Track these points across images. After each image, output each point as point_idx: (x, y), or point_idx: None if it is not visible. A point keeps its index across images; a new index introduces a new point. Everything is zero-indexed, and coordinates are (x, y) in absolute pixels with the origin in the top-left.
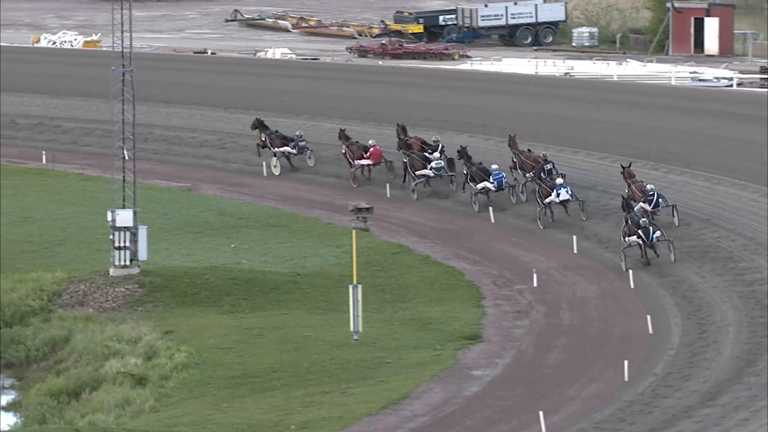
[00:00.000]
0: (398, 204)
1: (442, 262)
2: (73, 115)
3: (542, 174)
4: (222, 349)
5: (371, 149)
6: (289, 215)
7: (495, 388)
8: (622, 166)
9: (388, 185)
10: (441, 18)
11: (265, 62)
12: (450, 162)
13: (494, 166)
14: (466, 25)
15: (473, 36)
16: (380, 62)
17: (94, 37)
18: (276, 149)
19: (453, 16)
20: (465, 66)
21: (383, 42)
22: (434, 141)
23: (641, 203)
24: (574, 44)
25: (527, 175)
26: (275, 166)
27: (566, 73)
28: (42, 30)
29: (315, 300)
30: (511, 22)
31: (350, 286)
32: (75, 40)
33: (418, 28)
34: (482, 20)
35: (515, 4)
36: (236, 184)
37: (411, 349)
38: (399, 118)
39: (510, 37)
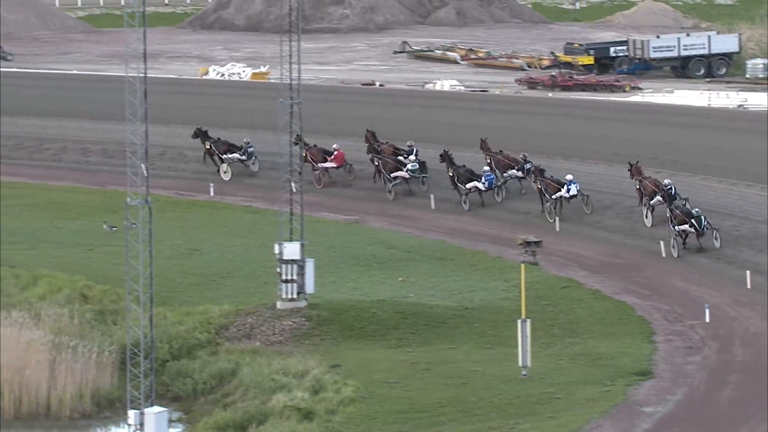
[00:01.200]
0: (567, 238)
1: (611, 296)
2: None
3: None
4: (389, 384)
5: (335, 153)
6: (456, 248)
7: (666, 426)
8: (630, 163)
9: (557, 219)
10: (612, 49)
11: (433, 94)
12: (422, 165)
13: (485, 168)
14: (637, 56)
15: (645, 68)
16: (550, 94)
17: (263, 69)
18: (223, 156)
19: (624, 47)
20: (636, 98)
21: (553, 74)
22: (409, 145)
23: (658, 197)
24: (747, 76)
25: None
26: (225, 172)
27: (740, 105)
28: (210, 62)
29: (483, 334)
30: (684, 53)
31: (519, 321)
32: (243, 72)
33: (588, 60)
34: (654, 51)
35: (688, 35)
36: (403, 216)
37: (580, 385)
38: (570, 150)
39: (682, 68)
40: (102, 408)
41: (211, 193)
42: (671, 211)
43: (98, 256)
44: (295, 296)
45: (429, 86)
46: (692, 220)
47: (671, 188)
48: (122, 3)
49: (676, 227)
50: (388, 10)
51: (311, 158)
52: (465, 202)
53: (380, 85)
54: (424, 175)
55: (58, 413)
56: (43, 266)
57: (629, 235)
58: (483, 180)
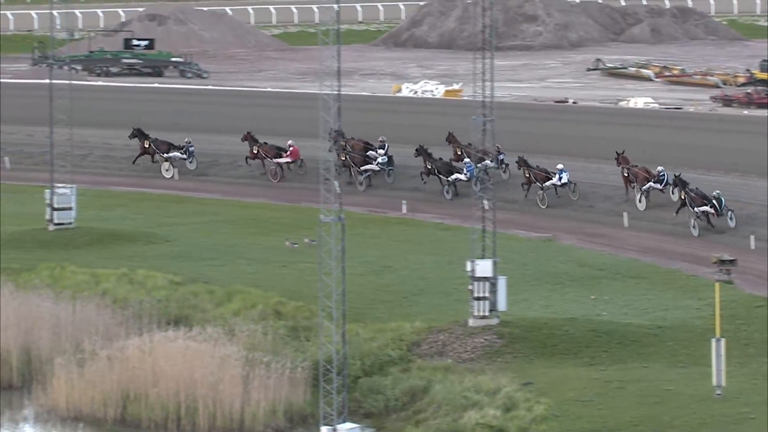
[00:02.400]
0: (761, 256)
1: None
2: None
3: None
4: (581, 402)
5: (291, 148)
6: (650, 267)
7: None
8: (617, 152)
9: (752, 237)
10: None
11: (627, 111)
12: (390, 159)
13: (466, 160)
14: None
15: None
16: (745, 112)
17: (456, 87)
18: (165, 154)
19: None
20: None
21: (749, 91)
22: (380, 141)
23: (651, 183)
24: None
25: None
26: (167, 170)
27: None
28: (403, 79)
29: (676, 353)
30: None
31: (713, 340)
32: (436, 89)
33: None
34: None
35: None
36: (596, 234)
37: None
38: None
39: None
40: (295, 424)
41: (404, 210)
42: (687, 194)
43: (291, 272)
44: (487, 313)
45: (622, 104)
46: (713, 202)
47: (664, 174)
48: (317, 21)
49: (695, 209)
50: (582, 27)
51: (264, 154)
52: (448, 192)
53: (573, 103)
54: (390, 167)
55: (252, 428)
56: (238, 282)
57: None
58: (465, 171)
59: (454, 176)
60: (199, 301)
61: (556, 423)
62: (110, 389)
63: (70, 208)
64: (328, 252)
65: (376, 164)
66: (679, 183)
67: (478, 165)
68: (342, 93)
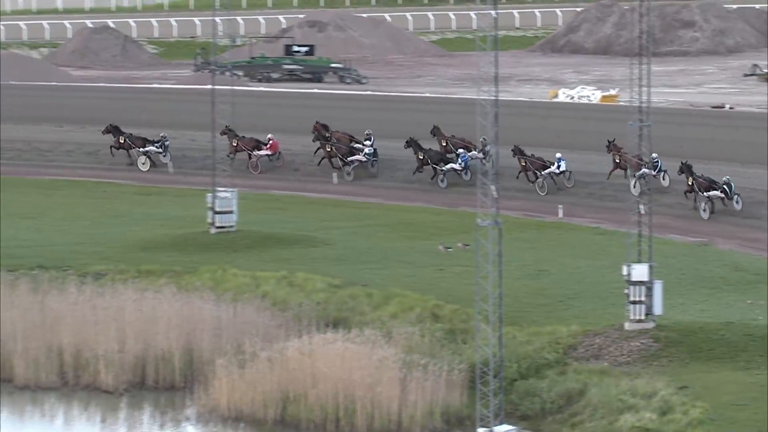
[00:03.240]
0: None
1: None
2: (589, 170)
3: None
4: (737, 406)
5: (270, 142)
6: None
7: None
8: (608, 141)
9: None
10: None
11: None
12: (375, 151)
13: (460, 150)
14: None
15: None
16: None
17: (612, 92)
18: (140, 149)
19: None
20: None
21: None
22: (367, 134)
23: (645, 169)
24: None
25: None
26: (144, 164)
27: None
28: (560, 85)
29: None
30: None
31: None
32: (592, 94)
33: None
34: None
35: None
36: (753, 239)
37: None
38: None
39: None
40: (451, 425)
41: (560, 215)
42: (695, 180)
43: (448, 276)
44: (643, 317)
45: None
46: (724, 186)
47: (658, 161)
48: (474, 27)
49: (704, 193)
50: (739, 33)
51: (243, 147)
52: (442, 181)
53: (730, 108)
54: (374, 159)
55: (409, 429)
56: (395, 286)
57: None
58: (459, 161)
59: (448, 166)
60: (357, 304)
61: (711, 427)
62: (270, 390)
63: (231, 212)
64: (485, 256)
65: (363, 155)
66: (686, 170)
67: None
68: (499, 98)
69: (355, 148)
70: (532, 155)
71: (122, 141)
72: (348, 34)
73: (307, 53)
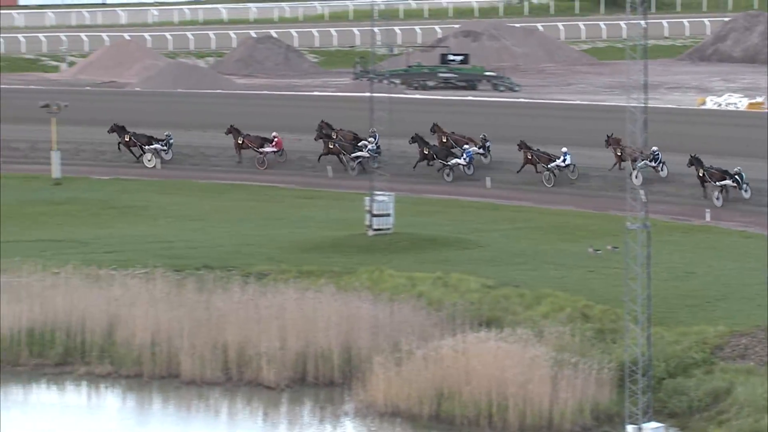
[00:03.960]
0: None
1: None
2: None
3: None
4: None
5: (275, 139)
6: None
7: None
8: (607, 135)
9: None
10: None
11: None
12: (378, 148)
13: (465, 146)
14: None
15: None
16: None
17: (759, 100)
18: (146, 147)
19: None
20: None
21: None
22: (372, 132)
23: (645, 161)
24: None
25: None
26: (150, 160)
27: None
28: (708, 93)
29: None
30: None
31: None
32: (739, 102)
33: None
34: None
35: None
36: None
37: None
38: None
39: None
40: (601, 422)
41: (707, 218)
42: (707, 171)
43: (598, 277)
44: None
45: None
46: (735, 176)
47: (658, 153)
48: (624, 36)
49: (717, 183)
50: None
51: (248, 144)
52: (448, 175)
53: None
54: (377, 154)
55: (560, 426)
56: (546, 286)
57: None
58: (464, 156)
59: (454, 161)
60: (509, 304)
61: None
62: (425, 387)
63: (388, 215)
64: (633, 258)
65: (367, 151)
66: (695, 162)
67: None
68: (648, 105)
69: (358, 145)
70: (538, 149)
71: (128, 139)
72: (501, 44)
73: (461, 62)
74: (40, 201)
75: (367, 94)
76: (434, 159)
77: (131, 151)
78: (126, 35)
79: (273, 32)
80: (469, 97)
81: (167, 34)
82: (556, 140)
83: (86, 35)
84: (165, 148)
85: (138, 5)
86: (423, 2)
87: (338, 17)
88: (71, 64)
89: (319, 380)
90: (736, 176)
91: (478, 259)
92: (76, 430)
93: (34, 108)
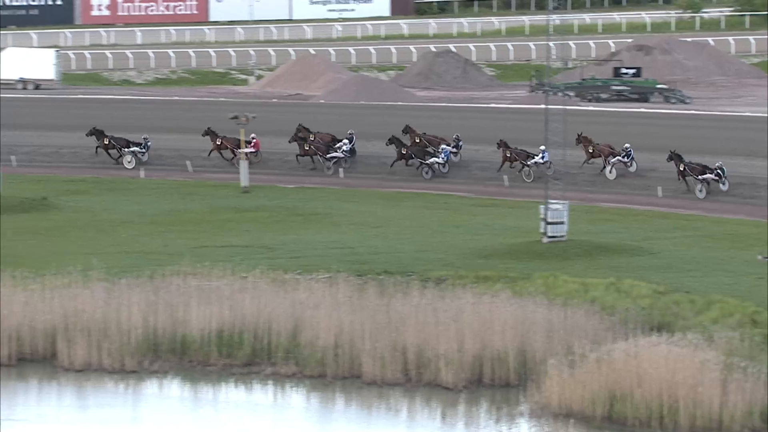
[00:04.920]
0: None
1: None
2: None
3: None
4: None
5: (254, 141)
6: None
7: None
8: (578, 134)
9: None
10: None
11: None
12: (353, 150)
13: (443, 146)
14: None
15: None
16: None
17: None
18: (124, 149)
19: None
20: None
21: None
22: (349, 134)
23: (618, 157)
24: None
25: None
26: (129, 162)
27: None
28: None
29: None
30: None
31: None
32: None
33: None
34: None
35: None
36: None
37: None
38: None
39: None
40: None
41: None
42: (687, 165)
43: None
44: None
45: None
46: (717, 170)
47: (630, 150)
48: None
49: (698, 177)
50: None
51: (227, 145)
52: (426, 173)
53: None
54: (350, 156)
55: (729, 428)
56: (716, 292)
57: None
58: (442, 155)
59: (432, 159)
60: (680, 310)
61: None
62: (598, 389)
63: (562, 222)
64: None
65: (341, 152)
66: (675, 157)
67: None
68: None
69: (333, 147)
70: (516, 147)
71: (107, 142)
72: (673, 57)
73: (634, 75)
74: (228, 208)
75: (543, 106)
76: (412, 158)
77: (109, 154)
78: (311, 50)
79: (452, 46)
80: (642, 109)
81: (350, 49)
82: (724, 151)
83: (273, 50)
84: (143, 150)
85: (323, 21)
86: (597, 18)
87: (515, 32)
88: (259, 77)
89: (495, 381)
90: (718, 170)
91: (650, 266)
92: (263, 428)
93: (223, 119)
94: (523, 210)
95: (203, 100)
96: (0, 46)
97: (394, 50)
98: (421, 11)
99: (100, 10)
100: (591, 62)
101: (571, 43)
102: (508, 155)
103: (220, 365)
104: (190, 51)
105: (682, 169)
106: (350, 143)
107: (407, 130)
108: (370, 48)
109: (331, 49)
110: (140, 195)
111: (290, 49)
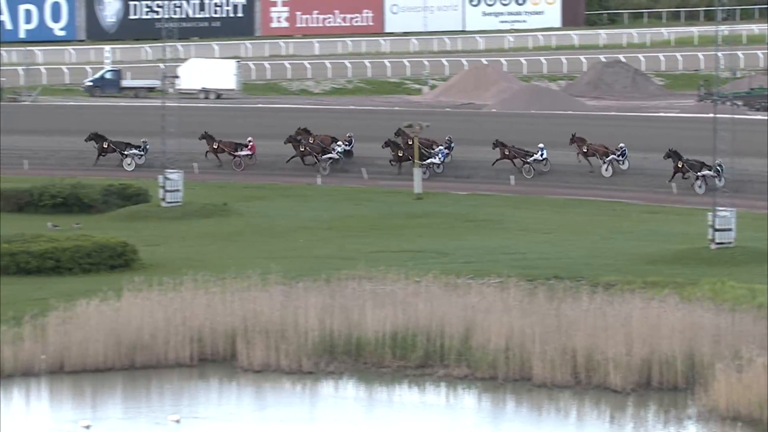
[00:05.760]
0: None
1: None
2: None
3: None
4: None
5: (251, 144)
6: None
7: None
8: (572, 134)
9: None
10: None
11: None
12: (350, 151)
13: (439, 147)
14: None
15: None
16: None
17: None
18: (125, 151)
19: None
20: None
21: None
22: (348, 136)
23: (612, 156)
24: None
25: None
26: (129, 164)
27: None
28: None
29: None
30: None
31: None
32: None
33: None
34: None
35: None
36: None
37: None
38: None
39: None
40: None
41: None
42: (686, 162)
43: None
44: None
45: None
46: (717, 166)
47: (624, 149)
48: None
49: (698, 173)
50: None
51: (223, 148)
52: (425, 173)
53: None
54: (343, 156)
55: None
56: None
57: None
58: (439, 156)
59: (429, 160)
60: None
61: None
62: (765, 393)
63: (730, 229)
64: None
65: (336, 153)
66: (673, 155)
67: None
68: None
69: (327, 148)
70: (513, 146)
71: (106, 146)
72: None
73: None
74: (402, 214)
75: (711, 115)
76: (409, 160)
77: (106, 156)
78: (484, 60)
79: (621, 57)
80: None
81: (522, 59)
82: None
83: (447, 60)
84: (142, 153)
85: (495, 32)
86: (765, 28)
87: (684, 43)
88: (433, 87)
89: (663, 385)
90: (719, 166)
91: None
92: (436, 428)
93: (397, 127)
94: (690, 217)
95: (378, 109)
96: (183, 57)
97: (564, 60)
98: (591, 22)
99: (279, 22)
100: (759, 72)
101: (739, 53)
102: (507, 153)
103: (394, 367)
104: (366, 61)
105: (680, 166)
106: (349, 145)
107: (399, 132)
108: (541, 58)
109: (502, 59)
110: (316, 201)
111: (463, 60)
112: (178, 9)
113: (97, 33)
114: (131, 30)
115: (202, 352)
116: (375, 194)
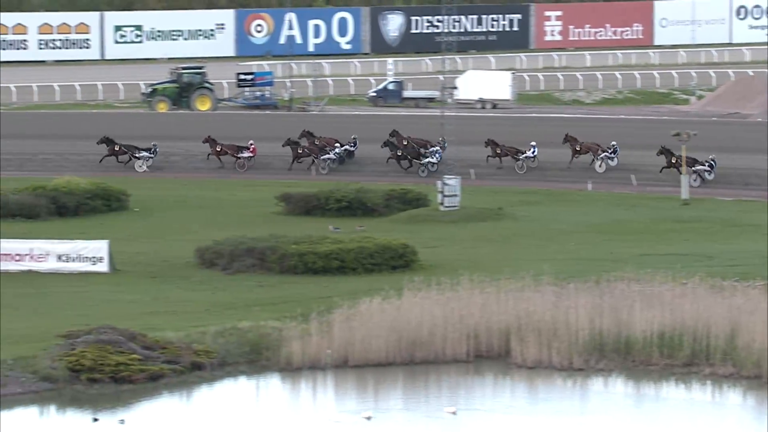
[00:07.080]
0: None
1: None
2: None
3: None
4: None
5: (251, 146)
6: None
7: None
8: (566, 134)
9: None
10: None
11: None
12: (349, 153)
13: (435, 147)
14: None
15: None
16: None
17: None
18: (136, 154)
19: None
20: None
21: None
22: (352, 138)
23: (604, 153)
24: None
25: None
26: (141, 166)
27: None
28: None
29: None
30: None
31: None
32: None
33: None
34: None
35: None
36: None
37: None
38: None
39: None
40: None
41: None
42: (677, 159)
43: None
44: None
45: None
46: (711, 162)
47: (616, 147)
48: None
49: (693, 168)
50: None
51: (226, 150)
52: (423, 171)
53: None
54: (347, 158)
55: None
56: None
57: None
58: (436, 155)
59: (426, 160)
60: None
61: None
62: None
63: None
64: None
65: (333, 154)
66: (665, 152)
67: None
68: None
69: (323, 149)
70: (504, 145)
71: (117, 149)
72: None
73: None
74: (670, 219)
75: None
76: (407, 159)
77: (117, 159)
78: (750, 71)
79: None
80: None
81: None
82: None
83: (713, 71)
84: (152, 155)
85: (762, 44)
86: None
87: None
88: (700, 97)
89: None
90: (712, 161)
91: None
92: (701, 425)
93: (665, 136)
94: None
95: (647, 119)
96: (461, 69)
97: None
98: None
99: (552, 35)
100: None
101: None
102: (499, 151)
103: (661, 365)
104: (636, 73)
105: (674, 161)
106: (353, 146)
107: (394, 134)
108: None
109: None
110: (587, 206)
111: (729, 71)
112: (457, 24)
113: (380, 46)
114: (413, 43)
115: (477, 349)
116: (643, 200)
